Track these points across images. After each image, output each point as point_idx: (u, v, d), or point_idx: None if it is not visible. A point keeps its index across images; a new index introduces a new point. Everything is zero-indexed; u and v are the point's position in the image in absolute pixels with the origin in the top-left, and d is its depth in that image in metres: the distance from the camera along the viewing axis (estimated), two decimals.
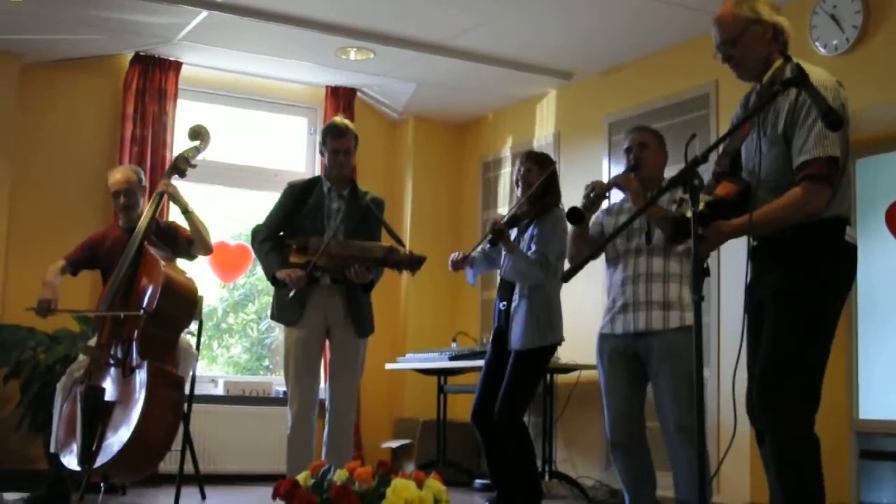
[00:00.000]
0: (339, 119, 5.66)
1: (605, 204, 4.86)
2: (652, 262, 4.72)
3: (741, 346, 3.51)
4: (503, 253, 5.44)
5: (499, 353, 5.51)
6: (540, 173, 5.49)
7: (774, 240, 3.49)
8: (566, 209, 4.63)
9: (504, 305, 5.52)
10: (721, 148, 3.71)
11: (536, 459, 5.59)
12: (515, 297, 5.45)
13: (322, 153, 5.60)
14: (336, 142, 5.48)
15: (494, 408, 5.37)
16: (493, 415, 5.37)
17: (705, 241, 3.36)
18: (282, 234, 5.47)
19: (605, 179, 7.29)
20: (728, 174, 3.61)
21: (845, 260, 3.51)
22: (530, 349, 5.36)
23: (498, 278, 5.65)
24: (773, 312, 3.48)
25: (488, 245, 5.51)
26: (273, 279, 5.36)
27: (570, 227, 4.85)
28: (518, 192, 5.55)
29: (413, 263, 5.30)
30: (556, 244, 5.39)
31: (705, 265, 3.84)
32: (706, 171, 3.64)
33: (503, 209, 8.17)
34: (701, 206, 3.24)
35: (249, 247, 7.92)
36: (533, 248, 5.37)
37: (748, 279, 3.70)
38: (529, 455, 5.44)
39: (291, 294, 5.24)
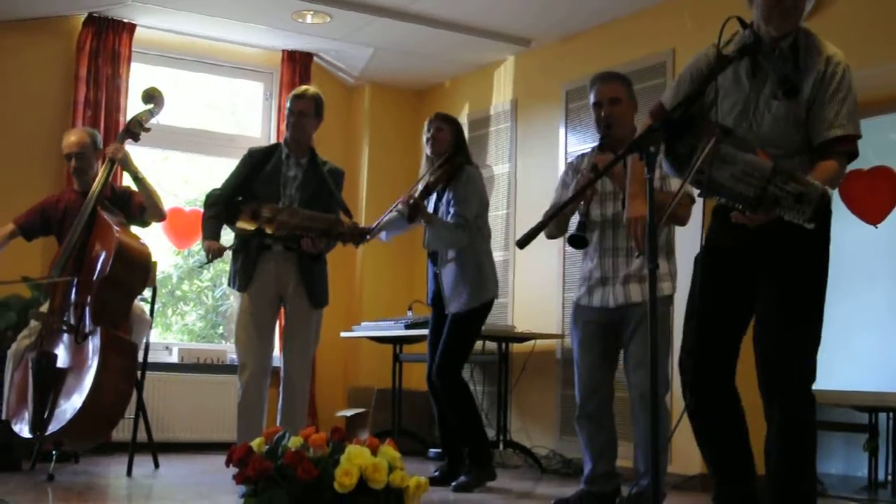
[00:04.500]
0: (305, 86, 5.71)
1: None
2: (627, 235, 4.62)
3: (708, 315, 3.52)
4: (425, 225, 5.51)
5: (441, 316, 5.55)
6: (451, 131, 5.53)
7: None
8: (570, 232, 4.52)
9: (437, 269, 5.56)
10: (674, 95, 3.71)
11: (482, 419, 5.65)
12: (441, 262, 5.49)
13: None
14: (292, 103, 5.53)
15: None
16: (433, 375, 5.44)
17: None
18: (240, 199, 5.47)
19: (563, 148, 7.31)
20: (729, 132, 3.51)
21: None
22: (464, 311, 5.42)
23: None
24: (791, 290, 3.48)
25: (408, 222, 5.50)
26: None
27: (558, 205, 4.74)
28: (428, 151, 5.62)
29: (356, 236, 5.32)
30: (473, 203, 5.43)
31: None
32: None
33: None
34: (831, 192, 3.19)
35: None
36: (451, 211, 5.38)
37: (710, 238, 3.68)
38: (473, 412, 5.52)
39: (201, 265, 5.34)
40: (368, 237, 5.58)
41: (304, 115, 5.51)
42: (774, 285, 3.50)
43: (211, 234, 5.38)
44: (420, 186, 5.57)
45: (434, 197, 5.61)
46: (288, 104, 5.55)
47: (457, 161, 5.56)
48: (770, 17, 3.46)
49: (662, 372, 4.61)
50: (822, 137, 3.42)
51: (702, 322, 3.63)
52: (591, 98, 4.72)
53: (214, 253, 5.30)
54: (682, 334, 3.73)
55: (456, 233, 5.38)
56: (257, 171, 5.49)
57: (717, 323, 3.59)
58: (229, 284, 5.66)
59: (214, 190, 5.54)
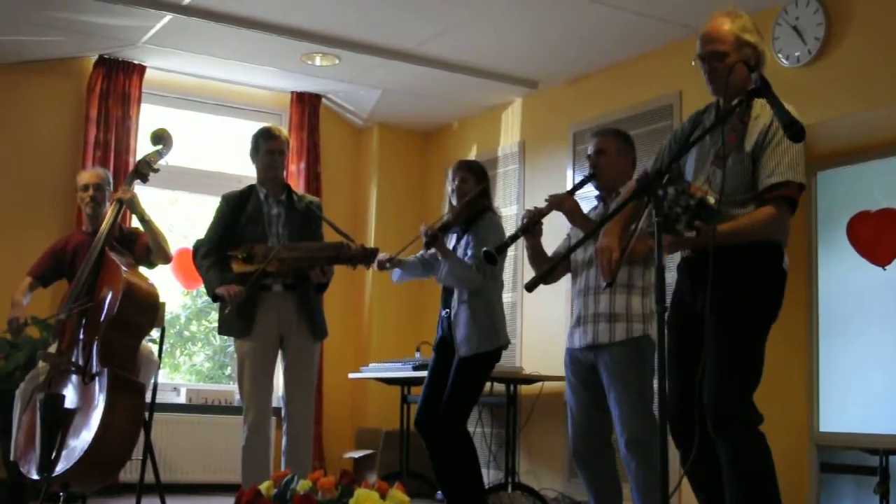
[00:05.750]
0: (272, 125, 5.72)
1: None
2: (599, 274, 4.67)
3: (702, 357, 3.54)
4: (440, 260, 5.46)
5: (443, 361, 5.51)
6: (475, 182, 5.50)
7: (715, 255, 3.52)
8: (521, 260, 4.62)
9: (447, 313, 5.52)
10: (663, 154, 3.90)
11: (481, 471, 5.60)
12: (454, 303, 5.45)
13: (253, 159, 5.59)
14: (270, 143, 5.51)
15: (438, 414, 5.40)
16: (437, 421, 5.39)
17: (692, 239, 3.39)
18: (224, 247, 5.42)
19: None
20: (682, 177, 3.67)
21: (783, 286, 3.68)
22: (474, 355, 5.37)
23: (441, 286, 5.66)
24: (721, 333, 3.55)
25: (424, 249, 5.48)
26: (214, 296, 5.33)
27: (528, 245, 4.86)
28: (453, 200, 5.55)
29: (367, 256, 5.29)
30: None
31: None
32: None
33: None
34: (712, 200, 3.27)
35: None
36: (469, 253, 5.37)
37: (675, 290, 3.83)
38: (474, 460, 5.48)
39: (227, 310, 5.24)
40: (388, 265, 5.57)
41: (282, 154, 5.56)
42: (714, 333, 3.56)
43: (220, 280, 5.29)
44: (440, 223, 5.51)
45: (454, 239, 5.58)
46: (262, 144, 5.52)
47: (479, 204, 5.52)
48: (707, 81, 3.72)
49: (650, 417, 4.59)
50: (762, 185, 3.56)
51: (674, 370, 3.73)
52: (588, 149, 4.92)
53: (237, 294, 5.23)
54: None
55: (470, 272, 5.33)
56: (237, 215, 5.47)
57: (685, 375, 3.65)
58: (222, 332, 5.56)
59: (200, 241, 5.50)
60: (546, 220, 4.82)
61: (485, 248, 4.67)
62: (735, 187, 3.57)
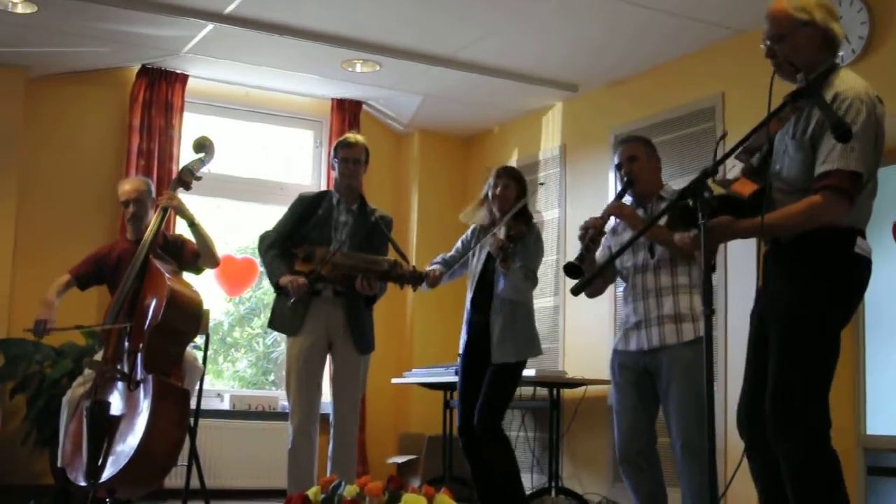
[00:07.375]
0: (350, 134, 5.78)
1: (609, 222, 4.80)
2: (659, 277, 4.67)
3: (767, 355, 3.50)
4: (476, 263, 5.56)
5: (475, 366, 5.54)
6: (517, 190, 5.52)
7: (785, 245, 3.47)
8: (563, 263, 4.58)
9: (479, 318, 5.54)
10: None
11: (520, 473, 5.64)
12: (496, 309, 5.47)
13: (333, 167, 5.65)
14: (345, 151, 5.57)
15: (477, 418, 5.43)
16: (474, 426, 5.40)
17: (712, 231, 3.31)
18: (288, 244, 5.51)
19: (612, 192, 7.29)
20: (752, 172, 3.58)
21: (856, 273, 3.52)
22: (515, 361, 5.46)
23: (469, 293, 5.66)
24: (782, 331, 3.45)
25: (501, 264, 5.45)
26: (276, 286, 5.39)
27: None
28: (494, 206, 5.54)
29: (415, 279, 5.35)
30: (539, 259, 5.57)
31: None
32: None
33: None
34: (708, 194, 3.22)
35: (255, 259, 7.95)
36: (518, 263, 5.39)
37: (758, 284, 3.72)
38: (514, 463, 5.52)
39: (291, 301, 5.27)
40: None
41: (357, 163, 5.59)
42: (776, 332, 3.48)
43: (285, 270, 5.38)
44: (502, 232, 5.43)
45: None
46: (339, 152, 5.59)
47: (527, 216, 5.58)
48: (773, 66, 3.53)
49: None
50: (816, 172, 3.39)
51: (746, 370, 3.66)
52: (614, 160, 4.89)
53: (301, 287, 5.29)
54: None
55: (526, 283, 5.46)
56: (308, 216, 5.54)
57: (756, 371, 3.58)
58: (272, 327, 5.69)
59: (267, 232, 5.59)
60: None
61: (568, 262, 4.58)
62: (797, 176, 3.45)
